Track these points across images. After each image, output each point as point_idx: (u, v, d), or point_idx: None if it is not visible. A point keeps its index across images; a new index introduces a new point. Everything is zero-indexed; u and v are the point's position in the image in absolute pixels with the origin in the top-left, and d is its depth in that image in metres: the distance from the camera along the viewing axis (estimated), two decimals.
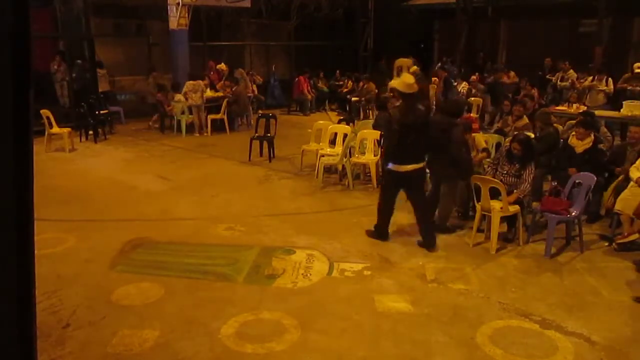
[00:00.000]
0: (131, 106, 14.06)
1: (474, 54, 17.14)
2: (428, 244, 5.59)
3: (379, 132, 8.08)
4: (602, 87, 10.83)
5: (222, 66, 13.90)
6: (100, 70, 13.30)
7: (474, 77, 13.16)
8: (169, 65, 14.11)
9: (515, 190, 5.62)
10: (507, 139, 6.68)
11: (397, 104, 5.84)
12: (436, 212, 6.17)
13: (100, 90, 12.97)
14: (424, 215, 5.70)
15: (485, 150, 6.81)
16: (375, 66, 17.54)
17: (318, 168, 8.07)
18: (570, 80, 11.91)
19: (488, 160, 6.81)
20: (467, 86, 12.59)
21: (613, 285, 4.82)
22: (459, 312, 4.31)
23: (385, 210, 5.81)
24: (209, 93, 12.35)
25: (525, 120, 7.96)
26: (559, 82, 12.25)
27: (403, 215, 6.66)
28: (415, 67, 9.80)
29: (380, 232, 5.85)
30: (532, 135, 6.89)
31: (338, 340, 3.89)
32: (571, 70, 12.17)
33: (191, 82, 11.85)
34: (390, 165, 5.52)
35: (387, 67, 16.50)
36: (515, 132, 6.82)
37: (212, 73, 13.74)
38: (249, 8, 14.92)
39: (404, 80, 5.56)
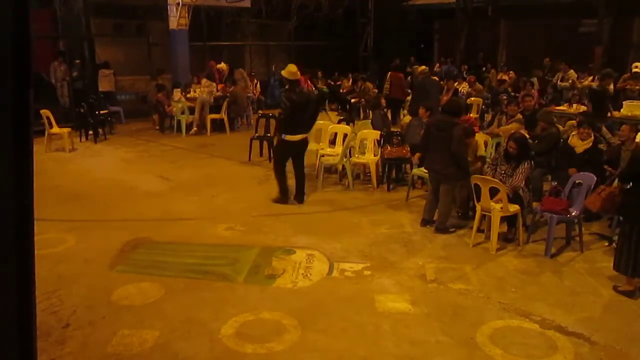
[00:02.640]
0: (131, 106, 14.05)
1: (474, 54, 17.16)
2: (299, 199, 7.12)
3: (379, 132, 8.10)
4: None
5: (223, 66, 13.91)
6: (106, 70, 13.29)
7: (471, 77, 13.18)
8: (169, 65, 14.11)
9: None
10: (503, 141, 6.68)
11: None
12: (436, 213, 6.19)
13: (103, 90, 12.96)
14: (302, 177, 7.18)
15: (480, 158, 6.74)
16: (372, 66, 17.55)
17: (318, 168, 8.07)
18: (570, 80, 11.91)
19: (488, 160, 6.81)
20: (467, 86, 12.60)
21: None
22: (459, 312, 4.31)
23: (281, 177, 7.12)
24: None
25: (519, 116, 7.95)
26: (559, 82, 12.26)
27: (403, 214, 6.67)
28: (423, 67, 10.91)
29: (283, 197, 7.07)
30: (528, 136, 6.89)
31: (338, 340, 3.89)
32: (571, 71, 12.17)
33: (208, 80, 12.13)
34: (286, 136, 6.87)
35: (381, 67, 16.52)
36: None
37: (213, 73, 13.76)
38: (249, 8, 14.94)
39: (289, 69, 6.87)
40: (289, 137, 6.87)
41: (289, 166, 7.16)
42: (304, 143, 7.06)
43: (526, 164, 5.70)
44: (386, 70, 14.40)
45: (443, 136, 5.88)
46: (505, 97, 10.48)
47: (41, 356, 3.50)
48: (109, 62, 13.50)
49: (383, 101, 9.16)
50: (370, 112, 10.08)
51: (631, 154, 5.24)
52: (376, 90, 13.78)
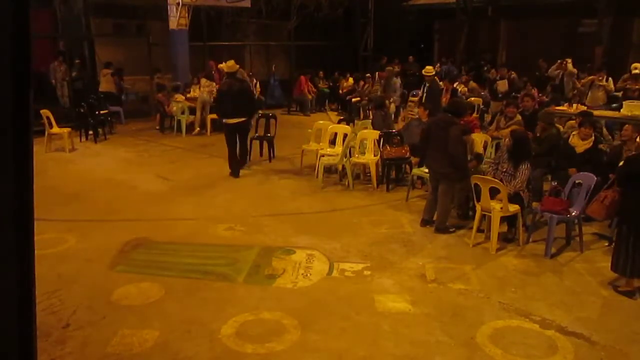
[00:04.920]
0: (131, 106, 14.04)
1: (475, 54, 17.13)
2: (234, 173, 8.41)
3: (379, 132, 8.10)
4: (603, 82, 10.81)
5: (223, 66, 13.88)
6: (105, 70, 13.27)
7: (464, 76, 13.14)
8: (169, 65, 14.10)
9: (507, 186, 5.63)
10: (506, 139, 6.65)
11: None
12: (436, 213, 6.18)
13: (102, 89, 12.94)
14: (243, 153, 8.62)
15: (477, 156, 6.71)
16: (377, 66, 17.48)
17: (318, 168, 8.07)
18: (569, 71, 11.90)
19: (488, 160, 6.80)
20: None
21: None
22: (459, 312, 4.31)
23: (231, 152, 8.45)
24: None
25: (518, 117, 7.94)
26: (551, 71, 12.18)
27: (403, 214, 6.68)
28: (430, 67, 10.98)
29: (234, 169, 8.42)
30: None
31: (338, 340, 3.89)
32: (570, 65, 12.08)
33: (207, 80, 12.13)
34: (224, 120, 8.41)
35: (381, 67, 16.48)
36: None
37: (213, 73, 13.75)
38: (249, 8, 14.92)
39: (227, 64, 8.64)
40: (225, 120, 8.41)
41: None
42: (241, 126, 8.35)
43: (527, 164, 5.68)
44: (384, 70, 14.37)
45: (442, 135, 5.88)
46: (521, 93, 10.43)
47: (41, 356, 3.51)
48: (111, 63, 13.49)
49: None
50: (371, 111, 10.03)
51: (626, 157, 5.26)
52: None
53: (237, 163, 8.45)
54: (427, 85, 10.61)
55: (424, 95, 10.36)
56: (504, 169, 5.80)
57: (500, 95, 11.44)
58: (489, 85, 12.78)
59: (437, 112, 7.75)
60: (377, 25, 18.45)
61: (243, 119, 8.30)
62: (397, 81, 12.44)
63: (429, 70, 10.86)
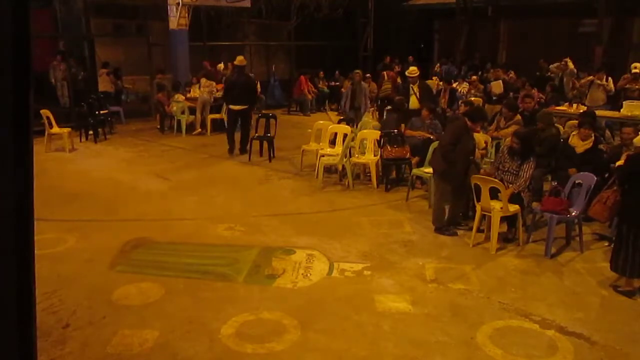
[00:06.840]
0: (131, 106, 14.04)
1: (474, 54, 17.14)
2: (242, 150, 9.90)
3: (379, 132, 8.09)
4: (602, 82, 10.81)
5: (221, 66, 13.91)
6: (102, 70, 13.26)
7: (474, 77, 13.12)
8: (169, 65, 14.10)
9: (510, 186, 5.62)
10: (506, 139, 6.66)
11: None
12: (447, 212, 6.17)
13: (101, 90, 12.94)
14: (245, 135, 9.94)
15: (484, 149, 6.79)
16: (381, 66, 17.47)
17: (318, 168, 8.07)
18: (569, 70, 11.90)
19: (487, 159, 6.80)
20: (468, 86, 12.56)
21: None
22: (459, 312, 4.31)
23: (230, 135, 9.93)
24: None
25: (518, 117, 7.92)
26: (551, 67, 12.15)
27: (403, 214, 6.68)
28: (414, 68, 10.28)
29: (230, 148, 9.92)
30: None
31: (338, 340, 3.89)
32: (570, 62, 12.10)
33: (207, 80, 12.16)
34: (230, 106, 9.92)
35: (390, 66, 16.48)
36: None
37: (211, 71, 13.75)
38: (249, 8, 14.91)
39: (238, 59, 10.03)
40: (231, 107, 9.87)
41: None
42: (244, 111, 9.84)
43: (531, 161, 5.67)
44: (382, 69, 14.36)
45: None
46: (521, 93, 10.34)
47: (41, 356, 3.51)
48: (108, 62, 13.49)
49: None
50: (385, 112, 9.88)
51: (626, 155, 5.26)
52: (376, 91, 13.74)
53: (233, 142, 9.89)
54: (414, 85, 9.83)
55: (416, 95, 9.66)
56: (506, 168, 5.79)
57: (494, 98, 11.36)
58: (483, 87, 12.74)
59: (433, 105, 7.73)
60: (377, 25, 18.44)
61: (245, 107, 9.80)
62: (366, 86, 12.12)
63: (412, 71, 10.04)
